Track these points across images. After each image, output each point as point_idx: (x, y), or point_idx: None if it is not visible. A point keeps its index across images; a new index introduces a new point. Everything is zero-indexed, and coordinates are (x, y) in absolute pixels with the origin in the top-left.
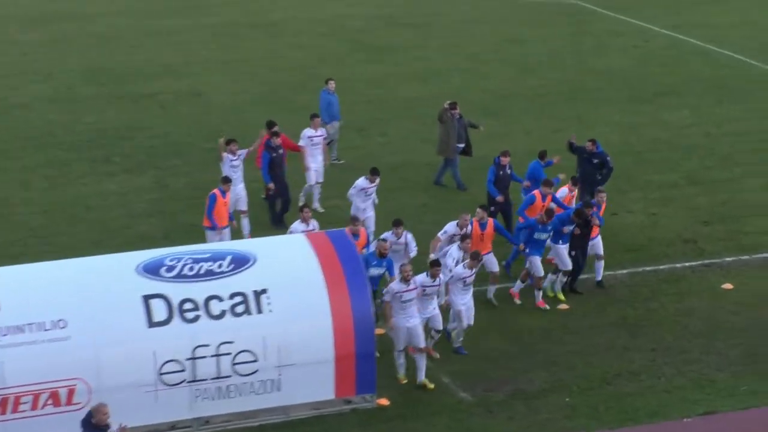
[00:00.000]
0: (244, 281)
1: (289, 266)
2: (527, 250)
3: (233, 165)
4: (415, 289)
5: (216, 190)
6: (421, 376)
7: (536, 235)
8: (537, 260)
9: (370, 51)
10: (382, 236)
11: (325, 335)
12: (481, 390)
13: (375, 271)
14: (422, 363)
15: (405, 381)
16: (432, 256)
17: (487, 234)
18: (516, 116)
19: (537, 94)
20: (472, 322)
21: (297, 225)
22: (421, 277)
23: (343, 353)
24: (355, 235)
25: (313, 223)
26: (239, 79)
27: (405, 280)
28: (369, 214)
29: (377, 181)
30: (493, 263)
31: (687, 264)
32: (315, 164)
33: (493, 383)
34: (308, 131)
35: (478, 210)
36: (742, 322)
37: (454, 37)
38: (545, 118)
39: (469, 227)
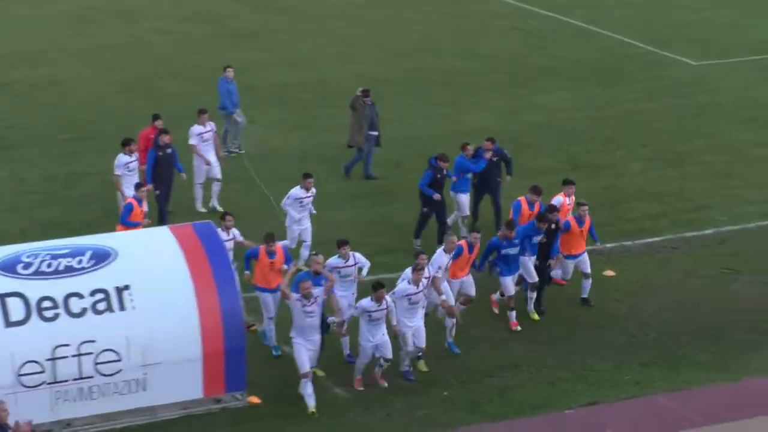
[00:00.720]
0: (106, 277)
1: (152, 261)
2: (498, 269)
3: (130, 168)
4: (386, 309)
5: (131, 199)
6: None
7: (504, 252)
8: (508, 280)
9: (237, 36)
10: (328, 261)
11: (192, 332)
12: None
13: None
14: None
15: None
16: (443, 298)
17: (473, 256)
18: (389, 102)
19: (412, 78)
20: (423, 345)
21: (219, 233)
22: (365, 302)
23: (211, 351)
24: (271, 253)
25: (234, 232)
26: (98, 67)
27: (378, 299)
28: (305, 226)
29: (313, 189)
30: (470, 286)
31: None
32: (209, 161)
33: (369, 378)
34: (197, 128)
35: (475, 234)
36: (624, 310)
37: (325, 20)
38: (420, 103)
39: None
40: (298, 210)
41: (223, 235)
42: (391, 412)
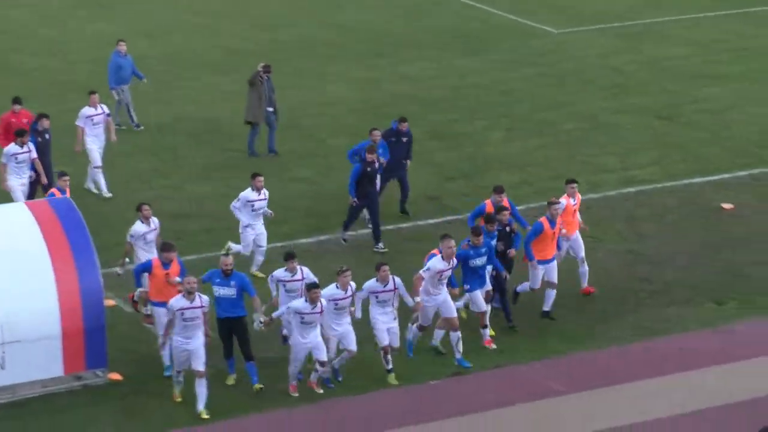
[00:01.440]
0: None
1: (7, 237)
2: (467, 287)
3: (19, 161)
4: (321, 312)
5: (54, 189)
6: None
7: (471, 263)
8: (478, 294)
9: (93, 7)
10: (273, 273)
11: (50, 310)
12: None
13: (222, 291)
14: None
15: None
16: (417, 299)
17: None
18: (248, 74)
19: (271, 50)
20: (353, 348)
21: (138, 226)
22: (299, 303)
23: (70, 328)
24: (166, 263)
25: (155, 222)
26: None
27: (313, 301)
28: (260, 231)
29: (265, 191)
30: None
31: (431, 221)
32: (98, 145)
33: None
34: (87, 110)
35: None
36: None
37: None
38: (280, 75)
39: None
40: (250, 215)
41: (143, 226)
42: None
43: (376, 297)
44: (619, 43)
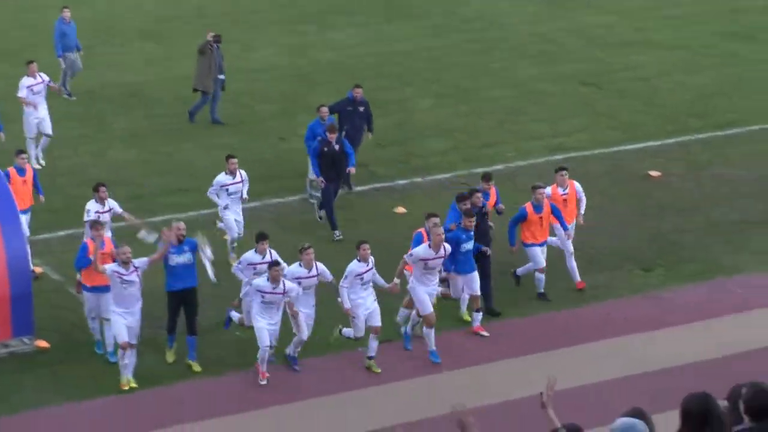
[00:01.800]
0: None
1: None
2: (453, 269)
3: None
4: (282, 294)
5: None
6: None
7: (463, 247)
8: (473, 276)
9: None
10: (243, 256)
11: None
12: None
13: (178, 259)
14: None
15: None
16: (396, 280)
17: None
18: (177, 40)
19: (198, 16)
20: (304, 337)
21: (92, 204)
22: (261, 281)
23: None
24: (98, 240)
25: (110, 203)
26: None
27: (274, 280)
28: (239, 218)
29: (240, 172)
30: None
31: (359, 188)
32: (38, 115)
33: (157, 321)
34: (26, 80)
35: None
36: None
37: None
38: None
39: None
40: (227, 198)
41: (98, 206)
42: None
43: (361, 279)
44: (547, 10)
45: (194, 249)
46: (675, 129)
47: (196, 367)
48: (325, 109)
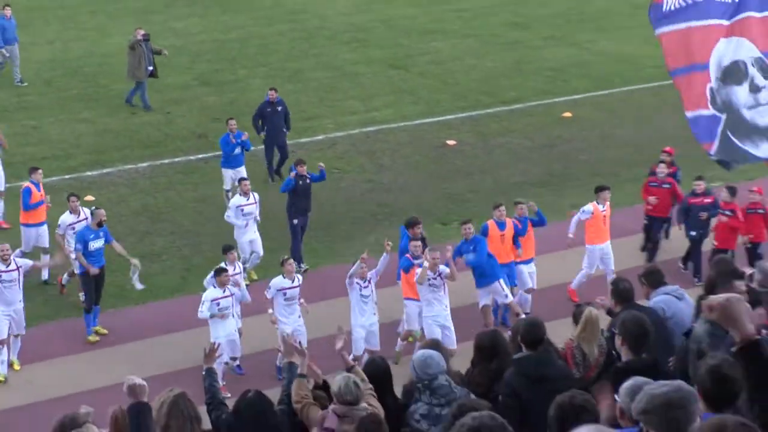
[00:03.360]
0: None
1: None
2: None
3: None
4: (231, 296)
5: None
6: None
7: (467, 259)
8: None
9: None
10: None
11: None
12: None
13: (96, 244)
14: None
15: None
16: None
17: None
18: (39, 27)
19: (57, 6)
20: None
21: (66, 217)
22: (210, 289)
23: None
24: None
25: (85, 212)
26: None
27: (221, 284)
28: (253, 238)
29: (253, 195)
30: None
31: (200, 156)
32: None
33: None
34: None
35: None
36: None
37: None
38: (65, 29)
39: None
40: (241, 218)
41: (71, 217)
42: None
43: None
44: (361, 3)
45: (106, 233)
46: (467, 105)
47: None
48: (233, 123)
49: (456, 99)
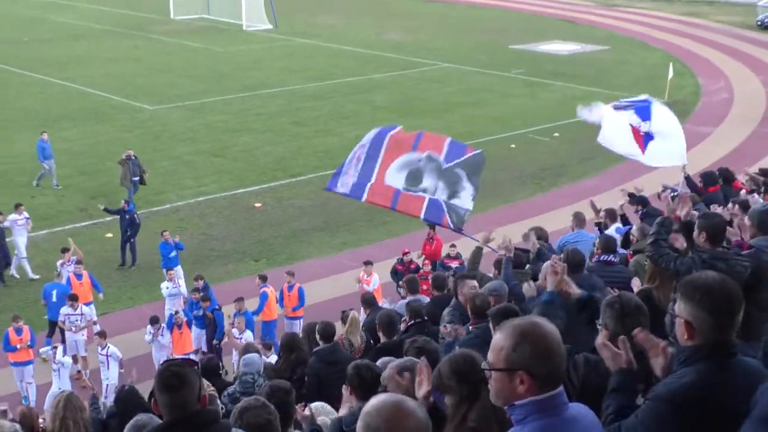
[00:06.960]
0: None
1: None
2: None
3: None
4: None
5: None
6: None
7: None
8: None
9: None
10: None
11: None
12: None
13: None
14: None
15: None
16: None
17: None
18: None
19: None
20: None
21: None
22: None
23: None
24: None
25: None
26: None
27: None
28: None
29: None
30: None
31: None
32: None
33: None
34: None
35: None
36: None
37: None
38: None
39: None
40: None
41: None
42: None
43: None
44: (192, 114)
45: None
46: (267, 178)
47: None
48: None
49: (259, 175)
